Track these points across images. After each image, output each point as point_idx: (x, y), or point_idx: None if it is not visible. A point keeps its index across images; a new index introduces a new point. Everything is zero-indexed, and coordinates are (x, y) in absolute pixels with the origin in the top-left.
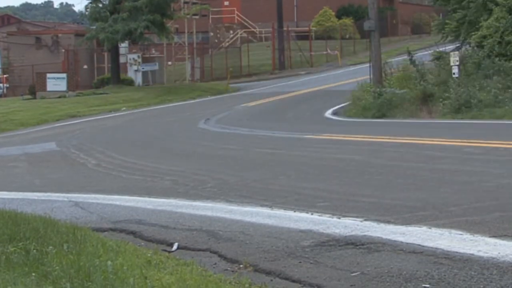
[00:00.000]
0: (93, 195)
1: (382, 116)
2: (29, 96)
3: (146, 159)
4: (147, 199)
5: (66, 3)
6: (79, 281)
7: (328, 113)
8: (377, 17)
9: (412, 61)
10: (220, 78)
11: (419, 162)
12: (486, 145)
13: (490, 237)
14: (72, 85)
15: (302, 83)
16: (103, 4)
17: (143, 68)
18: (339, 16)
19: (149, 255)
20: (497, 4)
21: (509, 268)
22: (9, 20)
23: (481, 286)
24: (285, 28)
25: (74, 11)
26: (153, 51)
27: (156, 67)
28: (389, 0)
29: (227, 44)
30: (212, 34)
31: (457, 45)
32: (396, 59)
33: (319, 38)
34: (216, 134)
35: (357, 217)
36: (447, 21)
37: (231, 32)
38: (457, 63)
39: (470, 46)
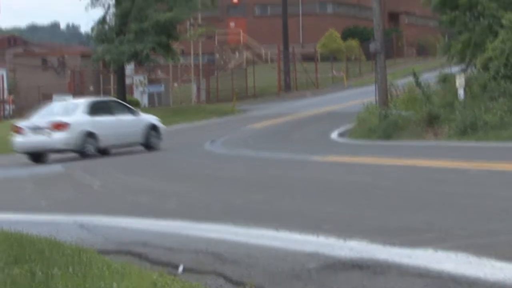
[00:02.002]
0: (98, 217)
1: (388, 138)
2: None
3: (152, 180)
4: (152, 221)
5: (73, 25)
6: None
7: (333, 135)
8: (382, 39)
9: (418, 83)
10: (226, 100)
11: (424, 184)
12: (492, 167)
13: (496, 260)
14: None
15: (308, 105)
16: (109, 25)
17: (149, 90)
18: (344, 38)
19: (154, 277)
20: (502, 27)
21: None
22: (16, 42)
23: None
24: (290, 50)
25: (80, 33)
26: (159, 73)
27: (162, 89)
28: (395, 21)
29: (233, 65)
30: (218, 55)
31: (463, 67)
32: (402, 80)
33: (324, 60)
34: (222, 156)
35: (363, 239)
36: (452, 43)
37: (237, 53)
38: (463, 85)
39: (475, 68)
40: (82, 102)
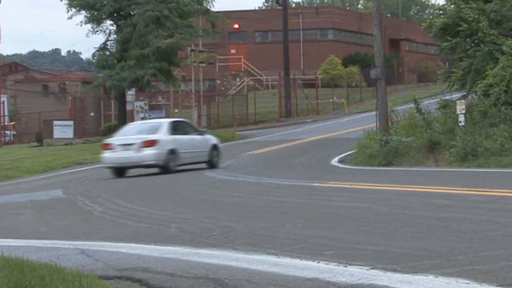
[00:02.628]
0: (99, 243)
1: (389, 164)
2: (36, 143)
3: (153, 206)
4: (153, 246)
5: (74, 51)
6: None
7: (334, 161)
8: (383, 65)
9: (419, 109)
10: (227, 126)
11: (425, 210)
12: (492, 194)
13: (497, 286)
14: (79, 132)
15: (309, 131)
16: (110, 52)
17: (149, 116)
18: (345, 64)
19: None
20: (503, 53)
21: None
22: (17, 68)
23: None
24: (291, 76)
25: (81, 59)
26: (160, 99)
27: (163, 115)
28: (396, 48)
29: (234, 91)
30: (218, 81)
31: (464, 93)
32: (403, 107)
33: (325, 86)
34: (222, 182)
35: (363, 265)
36: (453, 69)
37: (238, 79)
38: (464, 111)
39: (476, 95)
40: (165, 121)
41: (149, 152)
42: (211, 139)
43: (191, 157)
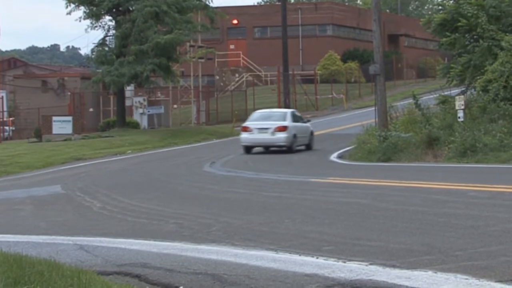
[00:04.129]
0: (98, 238)
1: (388, 160)
2: (35, 139)
3: (151, 202)
4: (152, 242)
5: (72, 47)
6: None
7: (333, 157)
8: (382, 61)
9: (418, 105)
10: (226, 121)
11: (424, 206)
12: (491, 190)
13: (496, 281)
14: (78, 128)
15: None
16: (109, 47)
17: (148, 111)
18: (344, 60)
19: None
20: (502, 49)
21: None
22: (16, 64)
23: None
24: (290, 72)
25: (80, 55)
26: (159, 94)
27: (162, 110)
28: (395, 44)
29: (233, 87)
30: (217, 77)
31: (463, 89)
32: (402, 102)
33: (324, 82)
34: (221, 177)
35: (362, 261)
36: (452, 65)
37: (237, 75)
38: (463, 107)
39: (475, 90)
40: (288, 111)
41: (281, 135)
42: (310, 126)
43: (301, 140)
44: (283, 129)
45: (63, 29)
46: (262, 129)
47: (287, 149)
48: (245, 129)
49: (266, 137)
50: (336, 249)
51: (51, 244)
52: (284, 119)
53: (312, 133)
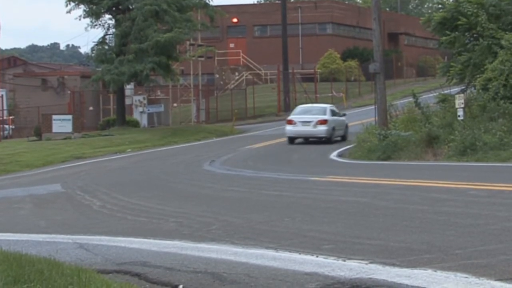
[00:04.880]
0: (98, 237)
1: (387, 158)
2: (35, 138)
3: (151, 200)
4: (152, 241)
5: (72, 45)
6: None
7: (333, 155)
8: (382, 60)
9: (417, 104)
10: (226, 120)
11: (424, 204)
12: (491, 188)
13: (496, 280)
14: (78, 126)
15: None
16: (109, 46)
17: (148, 110)
18: (344, 59)
19: None
20: (502, 47)
21: None
22: (16, 62)
23: None
24: (290, 70)
25: (80, 53)
26: (159, 93)
27: (162, 109)
28: (395, 42)
29: (233, 86)
30: (217, 76)
31: (462, 87)
32: (401, 101)
33: (324, 80)
34: (221, 176)
35: (362, 259)
36: (452, 63)
37: (237, 74)
38: (462, 105)
39: (475, 89)
40: (328, 106)
41: (322, 128)
42: (345, 120)
43: (338, 133)
44: (323, 122)
45: (63, 28)
46: (305, 122)
47: (327, 140)
48: (290, 122)
49: (308, 129)
50: (336, 248)
51: (51, 243)
52: (324, 113)
53: (347, 126)
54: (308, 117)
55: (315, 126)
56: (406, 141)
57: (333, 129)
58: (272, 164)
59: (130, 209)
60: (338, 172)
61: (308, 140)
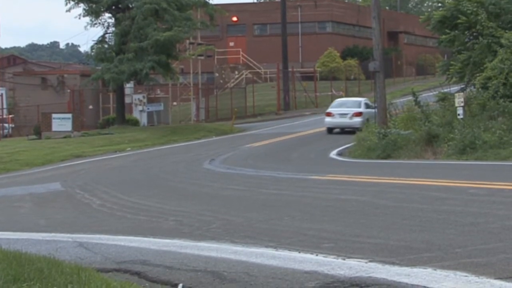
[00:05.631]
0: (97, 236)
1: (387, 157)
2: (34, 136)
3: (151, 199)
4: (151, 239)
5: (72, 44)
6: None
7: (333, 154)
8: (382, 58)
9: (417, 102)
10: (225, 119)
11: (424, 203)
12: (491, 187)
13: (495, 279)
14: (77, 125)
15: (307, 124)
16: (108, 44)
17: (148, 109)
18: (344, 57)
19: None
20: (501, 46)
21: None
22: (15, 61)
23: None
24: (290, 69)
25: (79, 52)
26: (158, 92)
27: (161, 108)
28: (394, 41)
29: (232, 84)
30: (217, 74)
31: (462, 86)
32: (401, 100)
33: (324, 79)
34: (221, 175)
35: (362, 258)
36: (451, 62)
37: (236, 72)
38: (462, 104)
39: (474, 88)
40: (362, 99)
41: (357, 119)
42: (373, 110)
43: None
44: (359, 114)
45: (62, 27)
46: (342, 114)
47: (361, 131)
48: (328, 114)
49: (345, 120)
50: (336, 246)
51: (51, 241)
52: (359, 106)
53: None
54: (345, 109)
55: (351, 118)
56: (406, 140)
57: (367, 120)
58: (271, 163)
59: (130, 207)
60: (337, 171)
61: (344, 130)
